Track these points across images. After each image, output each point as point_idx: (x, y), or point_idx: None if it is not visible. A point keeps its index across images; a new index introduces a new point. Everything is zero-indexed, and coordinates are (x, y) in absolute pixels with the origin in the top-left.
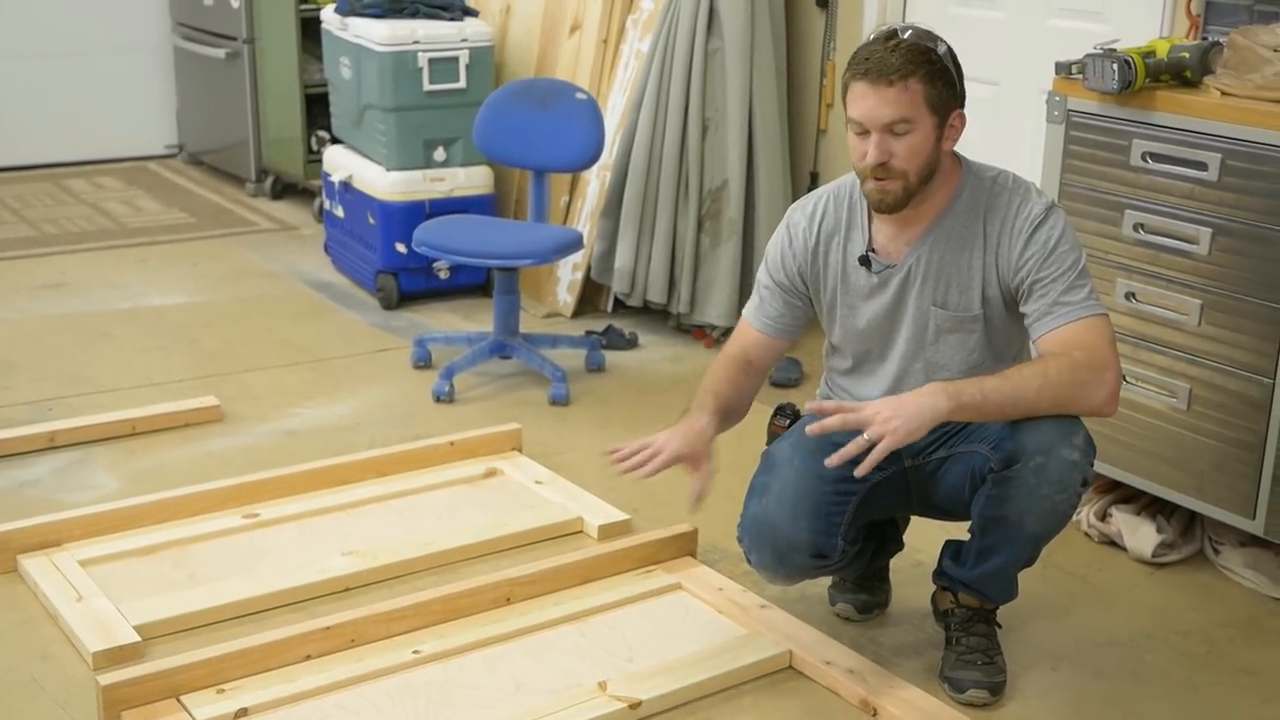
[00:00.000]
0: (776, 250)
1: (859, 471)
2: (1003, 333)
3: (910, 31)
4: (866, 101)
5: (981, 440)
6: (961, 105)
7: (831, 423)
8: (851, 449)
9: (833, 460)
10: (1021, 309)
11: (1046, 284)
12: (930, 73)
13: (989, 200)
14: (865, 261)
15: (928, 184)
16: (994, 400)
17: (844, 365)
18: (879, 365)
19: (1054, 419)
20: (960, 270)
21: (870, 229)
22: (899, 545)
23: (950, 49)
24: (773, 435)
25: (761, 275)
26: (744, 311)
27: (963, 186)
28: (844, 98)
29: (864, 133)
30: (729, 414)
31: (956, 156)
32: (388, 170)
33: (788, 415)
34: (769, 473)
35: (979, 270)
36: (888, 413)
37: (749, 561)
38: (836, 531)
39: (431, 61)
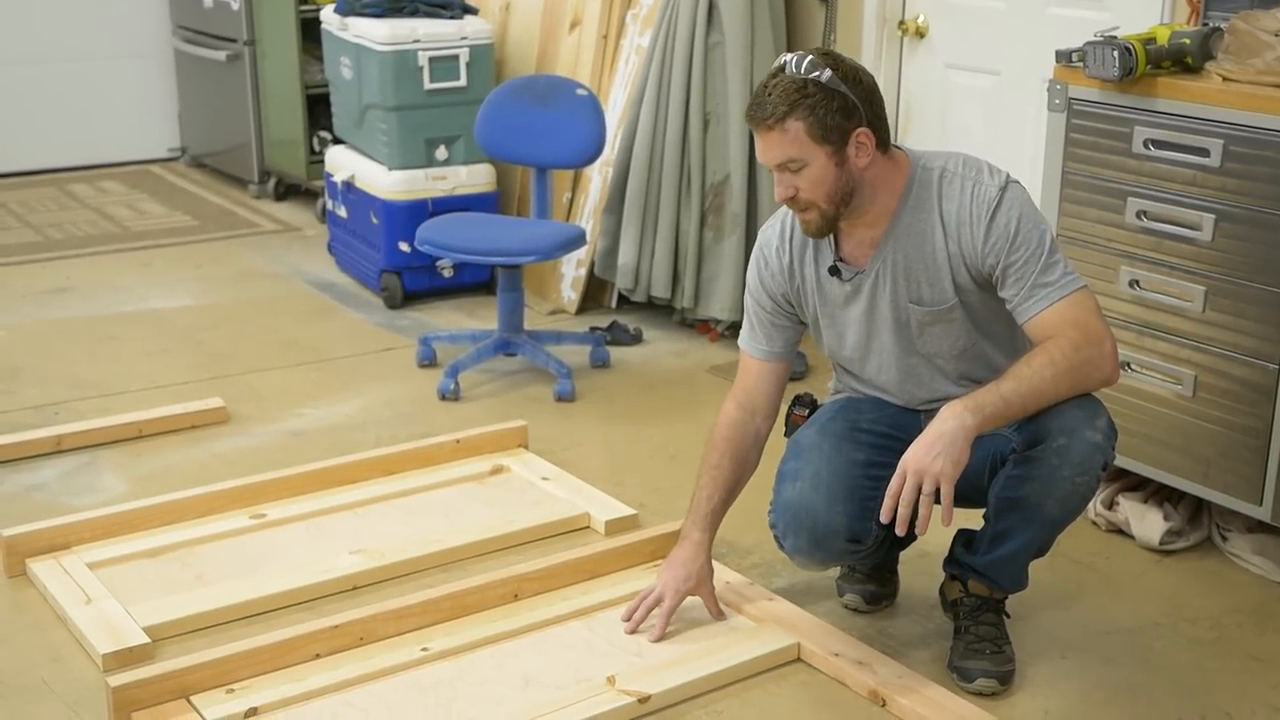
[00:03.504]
0: (755, 274)
1: (945, 523)
2: (983, 312)
3: (799, 62)
4: (759, 145)
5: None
6: (871, 119)
7: (889, 505)
8: (924, 512)
9: (903, 528)
10: (1000, 294)
11: (1019, 267)
12: (809, 107)
13: (941, 190)
14: (835, 271)
15: (849, 204)
16: (1015, 403)
17: (846, 370)
18: (877, 368)
19: (1077, 402)
20: (926, 265)
21: (836, 239)
22: (913, 536)
23: (844, 70)
24: (792, 425)
25: (747, 301)
26: (739, 342)
27: (911, 183)
28: None
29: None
30: (731, 488)
31: (898, 154)
32: (390, 169)
33: (806, 405)
34: (798, 459)
35: (945, 261)
36: (926, 458)
37: (781, 547)
38: (871, 516)
39: (432, 60)
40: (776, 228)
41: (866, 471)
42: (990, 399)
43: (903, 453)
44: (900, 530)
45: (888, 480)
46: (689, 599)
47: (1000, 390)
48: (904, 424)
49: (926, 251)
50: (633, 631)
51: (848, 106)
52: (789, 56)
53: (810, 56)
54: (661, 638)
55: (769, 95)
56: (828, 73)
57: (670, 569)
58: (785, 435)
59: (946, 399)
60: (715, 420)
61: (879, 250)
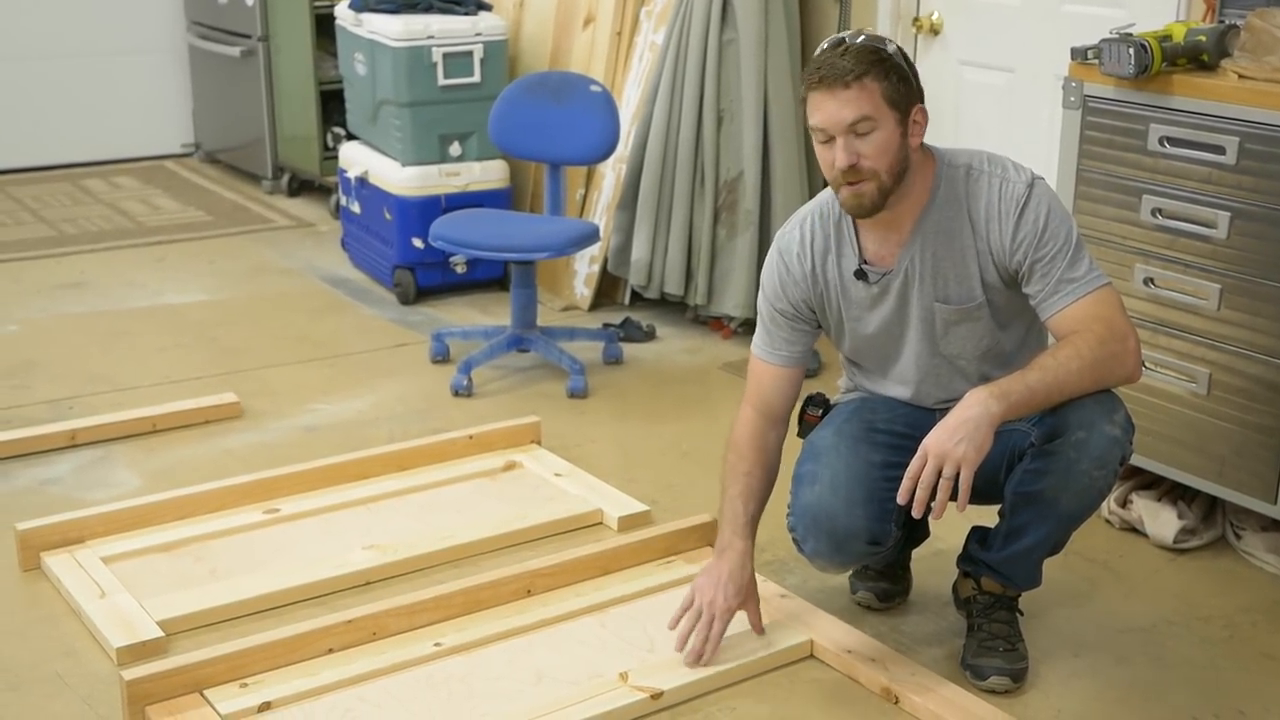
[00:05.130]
0: (775, 280)
1: (960, 509)
2: (1007, 311)
3: (859, 36)
4: (826, 108)
5: (1022, 418)
6: (921, 101)
7: (907, 487)
8: (942, 496)
9: (919, 511)
10: (1025, 289)
11: (1046, 263)
12: (884, 70)
13: (969, 188)
14: (861, 275)
15: (901, 182)
16: (1040, 392)
17: (863, 372)
18: (899, 369)
19: (1096, 396)
20: (955, 263)
21: (859, 241)
22: (926, 534)
23: (900, 49)
24: (806, 425)
25: (762, 306)
26: (753, 348)
27: (939, 179)
28: (805, 113)
29: (829, 141)
30: (764, 496)
31: (927, 150)
32: (403, 165)
33: (819, 405)
34: (815, 461)
35: (974, 259)
36: (949, 442)
37: (801, 550)
38: (890, 517)
39: (446, 56)
40: (796, 233)
41: (884, 473)
42: (1016, 387)
43: None
44: (917, 513)
45: None
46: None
47: (1026, 379)
48: (920, 423)
49: (955, 249)
50: (693, 665)
51: (909, 81)
52: (844, 34)
53: (865, 32)
54: (712, 660)
55: (842, 57)
56: (893, 47)
57: (717, 584)
58: (799, 435)
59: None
60: (733, 427)
61: (906, 248)
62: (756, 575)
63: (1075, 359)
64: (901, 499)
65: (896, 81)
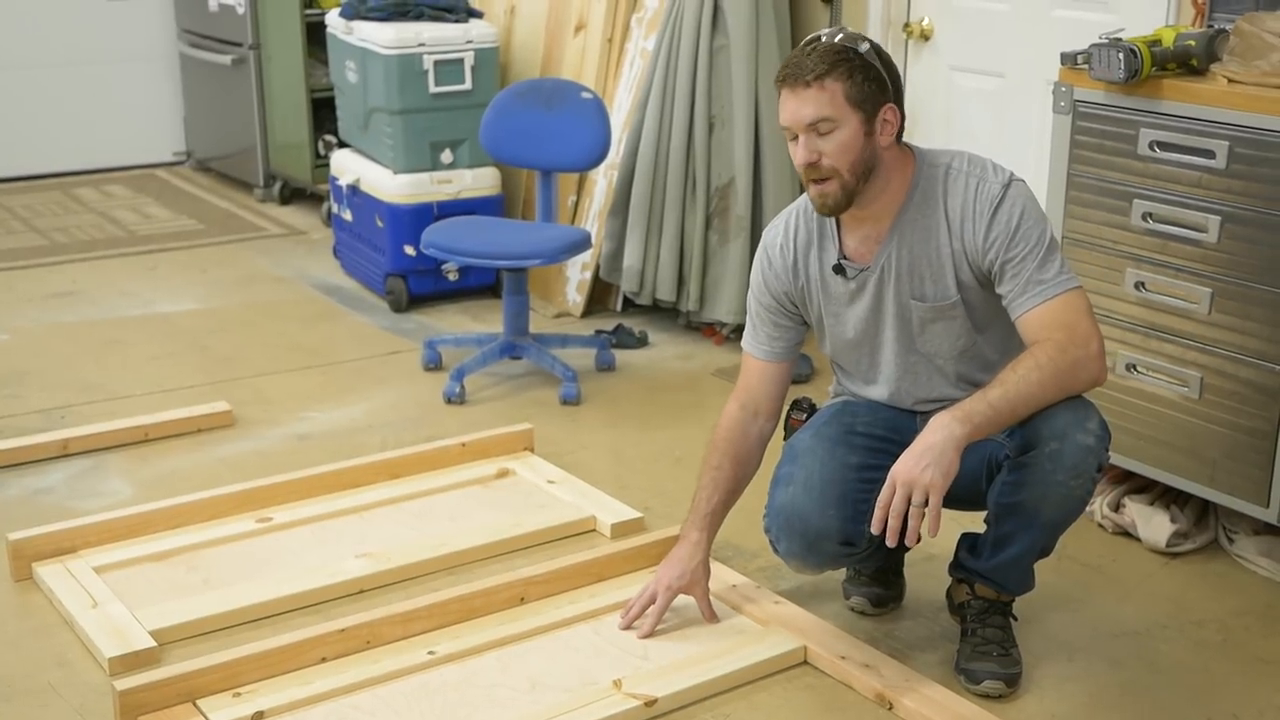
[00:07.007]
0: (759, 274)
1: (932, 534)
2: (983, 311)
3: (838, 34)
4: (789, 105)
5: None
6: (895, 100)
7: (879, 516)
8: (914, 524)
9: (893, 540)
10: (997, 289)
11: (1017, 263)
12: (849, 70)
13: (946, 186)
14: (839, 270)
15: (868, 181)
16: (1004, 409)
17: (846, 371)
18: (878, 367)
19: (1068, 405)
20: (930, 261)
21: (840, 236)
22: (906, 545)
23: (876, 47)
24: (790, 429)
25: (750, 300)
26: (743, 342)
27: (918, 178)
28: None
29: (795, 138)
30: (730, 490)
31: (908, 149)
32: (395, 173)
33: (804, 409)
34: (793, 463)
35: (949, 258)
36: (915, 469)
37: (776, 551)
38: (864, 519)
39: (437, 64)
40: (780, 227)
41: (860, 474)
42: (979, 407)
43: (897, 455)
44: (891, 542)
45: (882, 483)
46: (683, 599)
47: (988, 398)
48: (899, 426)
49: (931, 247)
50: (625, 628)
51: (881, 80)
52: (824, 32)
53: (845, 30)
54: (650, 635)
55: (808, 56)
56: (865, 45)
57: (666, 567)
58: (784, 439)
59: (943, 400)
60: (718, 420)
61: (884, 246)
62: (749, 580)
63: (1035, 370)
64: (875, 529)
65: (861, 81)
